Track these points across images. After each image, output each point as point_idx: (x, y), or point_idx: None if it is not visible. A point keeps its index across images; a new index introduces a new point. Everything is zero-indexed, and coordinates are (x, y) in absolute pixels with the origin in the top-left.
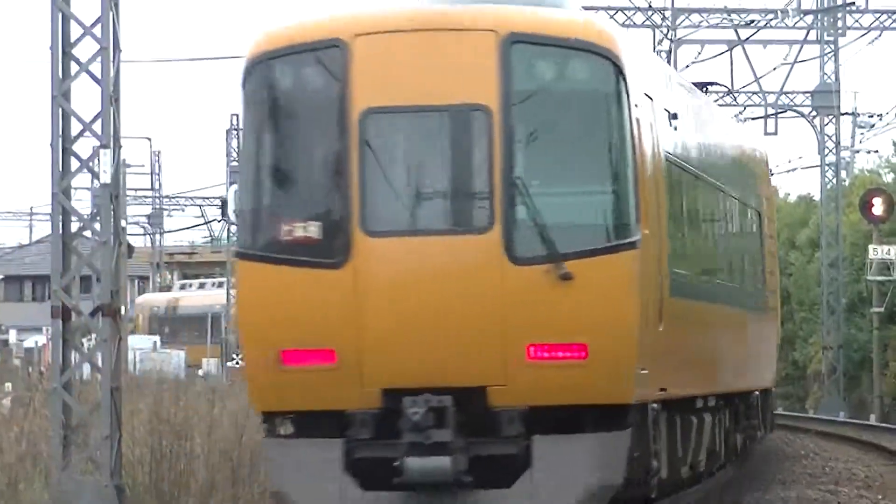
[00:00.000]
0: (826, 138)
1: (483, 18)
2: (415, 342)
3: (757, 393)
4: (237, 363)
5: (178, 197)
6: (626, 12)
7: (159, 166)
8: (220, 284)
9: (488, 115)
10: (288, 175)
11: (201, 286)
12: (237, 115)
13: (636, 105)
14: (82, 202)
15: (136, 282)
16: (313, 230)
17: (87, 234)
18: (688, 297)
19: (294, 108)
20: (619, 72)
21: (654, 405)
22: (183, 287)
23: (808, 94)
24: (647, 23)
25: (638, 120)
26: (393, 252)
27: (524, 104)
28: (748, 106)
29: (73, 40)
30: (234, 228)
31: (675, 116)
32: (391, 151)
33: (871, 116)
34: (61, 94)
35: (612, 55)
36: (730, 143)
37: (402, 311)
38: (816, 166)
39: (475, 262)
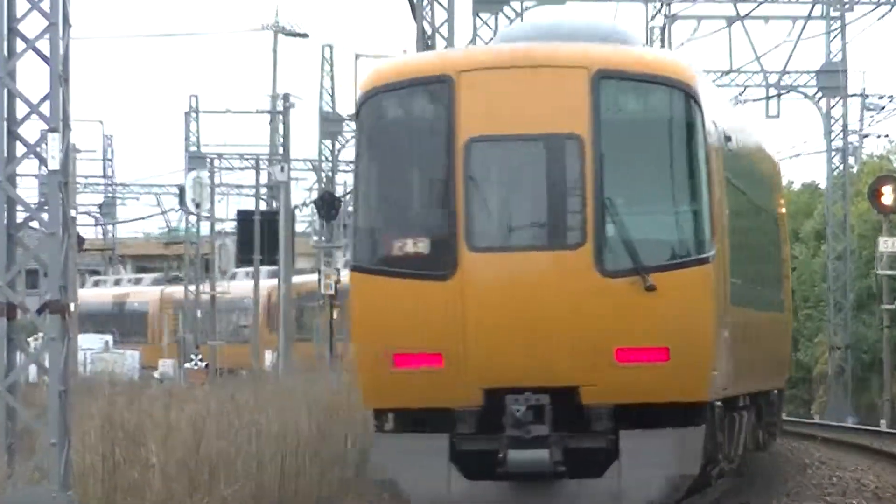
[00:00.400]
0: (832, 121)
1: (575, 56)
2: (514, 346)
3: (775, 391)
4: (195, 364)
5: (132, 185)
6: None
7: (111, 151)
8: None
9: (580, 143)
10: (399, 197)
11: (138, 282)
12: (196, 97)
13: (707, 132)
14: (29, 190)
15: (87, 276)
16: (423, 246)
17: (34, 224)
18: (740, 305)
19: (405, 136)
20: (696, 103)
21: (719, 403)
22: (97, 284)
23: (812, 74)
24: None
25: (709, 145)
26: (495, 266)
27: (612, 133)
28: (748, 86)
29: (18, 15)
30: (191, 218)
31: (728, 139)
32: (493, 176)
33: (881, 98)
34: (6, 74)
35: (689, 88)
36: (758, 154)
37: (502, 318)
38: (822, 152)
39: (569, 275)
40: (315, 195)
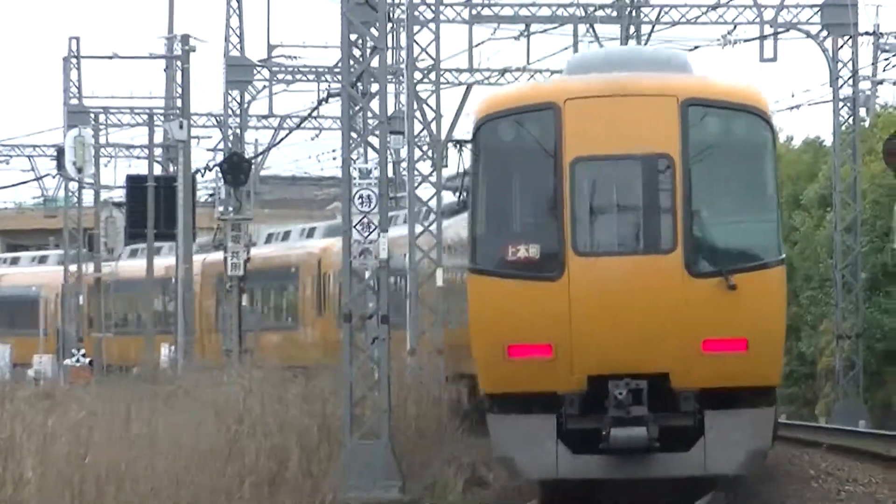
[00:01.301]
0: (839, 65)
1: (666, 86)
2: (614, 338)
3: None
4: (77, 360)
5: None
6: None
7: None
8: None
9: (671, 161)
10: (513, 209)
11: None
12: (77, 39)
13: (776, 150)
14: None
15: None
16: (534, 252)
17: None
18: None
19: (517, 156)
20: (769, 126)
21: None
22: None
23: (816, 9)
24: None
25: (777, 161)
26: (598, 268)
27: (699, 153)
28: (739, 24)
29: None
30: (72, 185)
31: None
32: (595, 190)
33: None
34: None
35: (764, 114)
36: None
37: (604, 314)
38: (827, 101)
39: (661, 276)
40: (220, 157)
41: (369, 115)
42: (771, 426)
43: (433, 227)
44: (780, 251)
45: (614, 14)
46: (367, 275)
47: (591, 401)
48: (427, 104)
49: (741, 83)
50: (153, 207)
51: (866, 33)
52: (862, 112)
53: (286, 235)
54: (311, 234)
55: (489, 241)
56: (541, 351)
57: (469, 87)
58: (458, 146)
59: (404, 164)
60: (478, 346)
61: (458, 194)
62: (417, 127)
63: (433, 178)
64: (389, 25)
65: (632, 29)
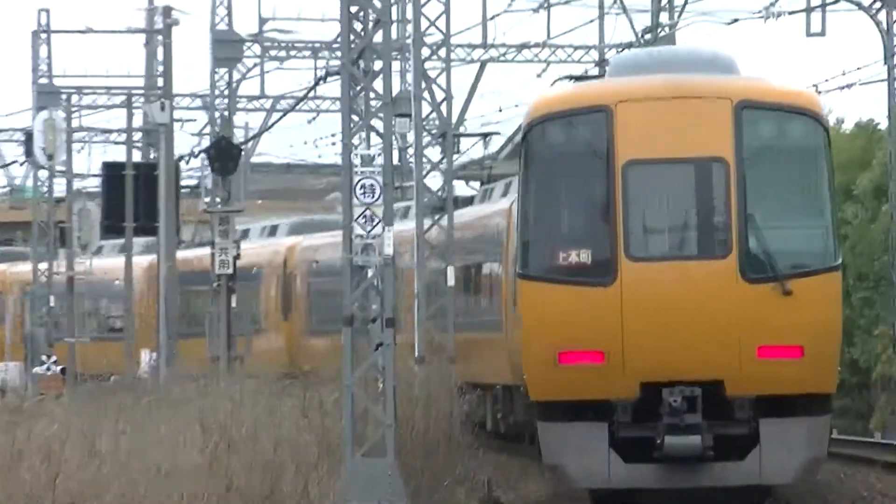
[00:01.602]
0: (895, 40)
1: (719, 88)
2: (668, 344)
3: None
4: (49, 369)
5: None
6: None
7: None
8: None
9: (725, 165)
10: (565, 213)
11: None
12: (48, 11)
13: (831, 154)
14: None
15: None
16: (586, 257)
17: None
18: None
19: (568, 159)
20: (825, 130)
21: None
22: None
23: None
24: None
25: (832, 164)
26: (651, 274)
27: (753, 156)
28: None
29: None
30: (42, 174)
31: None
32: (648, 194)
33: None
34: None
35: (819, 117)
36: None
37: (658, 320)
38: (882, 80)
39: (715, 281)
40: (207, 142)
41: (372, 95)
42: (827, 434)
43: (444, 221)
44: (836, 256)
45: None
46: (369, 273)
47: (644, 408)
48: (436, 84)
49: (795, 86)
50: (132, 198)
51: None
52: None
53: (245, 234)
54: (273, 232)
55: (540, 246)
56: (592, 357)
57: (483, 64)
58: (485, 138)
59: (411, 151)
60: (528, 353)
61: (484, 183)
62: (426, 109)
63: (443, 166)
64: None
65: (664, 0)
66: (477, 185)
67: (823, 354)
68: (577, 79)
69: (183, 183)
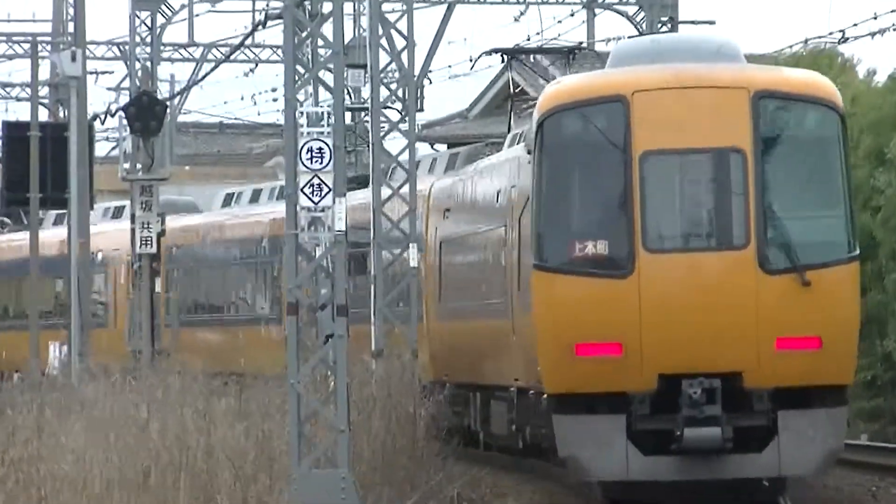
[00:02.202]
0: None
1: (737, 78)
2: (686, 336)
3: None
4: None
5: None
6: None
7: None
8: None
9: (742, 155)
10: (580, 204)
11: None
12: None
13: (848, 144)
14: None
15: None
16: (603, 248)
17: None
18: None
19: (584, 150)
20: (842, 120)
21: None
22: None
23: None
24: None
25: (849, 155)
26: (669, 265)
27: (771, 146)
28: None
29: None
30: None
31: None
32: (665, 185)
33: None
34: None
35: (837, 107)
36: None
37: (675, 311)
38: None
39: (734, 273)
40: (126, 98)
41: (320, 43)
42: (844, 425)
43: (405, 190)
44: (853, 246)
45: None
46: (317, 252)
47: (661, 400)
48: (396, 29)
49: (812, 75)
50: (38, 164)
51: None
52: None
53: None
54: (117, 214)
55: (555, 237)
56: (610, 349)
57: (450, 6)
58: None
59: (366, 108)
60: (543, 345)
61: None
62: (384, 59)
63: (405, 126)
64: None
65: None
66: (444, 147)
67: (841, 346)
68: (503, 52)
69: (98, 147)
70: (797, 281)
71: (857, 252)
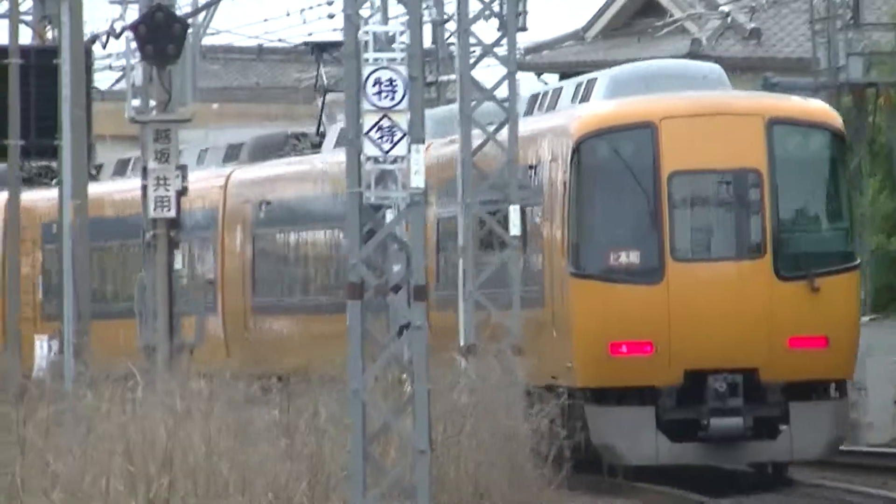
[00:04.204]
0: None
1: (752, 106)
2: (709, 336)
3: None
4: None
5: None
6: None
7: None
8: None
9: (759, 175)
10: (614, 219)
11: None
12: None
13: (848, 164)
14: None
15: None
16: (635, 258)
17: None
18: None
19: (618, 170)
20: (844, 142)
21: None
22: None
23: None
24: None
25: (848, 174)
26: (695, 273)
27: (784, 167)
28: None
29: None
30: None
31: None
32: (691, 202)
33: None
34: None
35: (840, 131)
36: None
37: (700, 313)
38: None
39: (752, 279)
40: (134, 14)
41: None
42: (846, 416)
43: (502, 135)
44: (855, 255)
45: None
46: (387, 217)
47: (686, 393)
48: None
49: (817, 103)
50: (18, 102)
51: None
52: None
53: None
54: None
55: (592, 248)
56: (642, 349)
57: None
58: None
59: (451, 27)
60: (580, 346)
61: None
62: None
63: (502, 50)
64: None
65: None
66: (555, 78)
67: (845, 345)
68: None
69: (99, 78)
70: (807, 287)
71: (858, 261)
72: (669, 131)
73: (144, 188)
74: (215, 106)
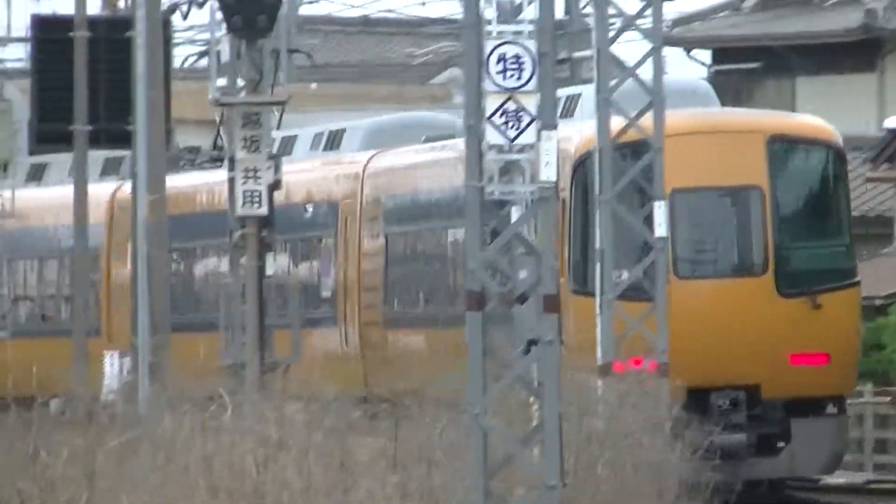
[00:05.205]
0: None
1: (753, 124)
2: (712, 353)
3: None
4: None
5: None
6: None
7: None
8: None
9: (760, 192)
10: (616, 236)
11: None
12: None
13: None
14: None
15: None
16: (638, 275)
17: None
18: None
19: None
20: (843, 159)
21: None
22: None
23: None
24: None
25: (849, 190)
26: (696, 290)
27: (783, 184)
28: None
29: None
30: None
31: None
32: (693, 219)
33: None
34: None
35: (839, 147)
36: None
37: (703, 331)
38: None
39: (754, 297)
40: None
41: None
42: (847, 432)
43: (647, 119)
44: (856, 272)
45: None
46: (513, 213)
47: (690, 410)
48: None
49: (815, 119)
50: (85, 81)
51: None
52: None
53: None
54: (335, 142)
55: (588, 266)
56: (641, 365)
57: None
58: None
59: None
60: (580, 362)
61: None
62: None
63: (646, 22)
64: None
65: None
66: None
67: (846, 361)
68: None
69: (178, 53)
70: (809, 304)
71: (859, 278)
72: (671, 148)
73: (231, 181)
74: (314, 86)
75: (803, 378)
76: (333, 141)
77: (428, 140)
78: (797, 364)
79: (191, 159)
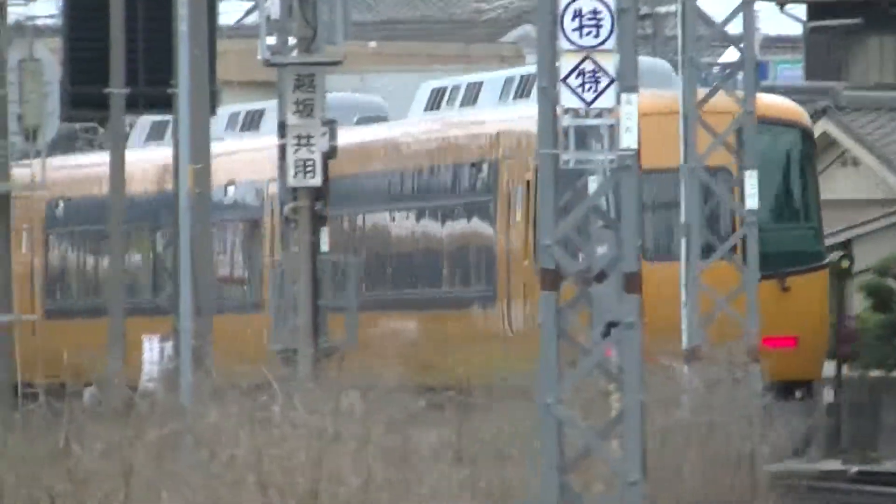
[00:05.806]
0: None
1: (723, 104)
2: (679, 335)
3: None
4: None
5: None
6: None
7: None
8: None
9: (729, 174)
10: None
11: None
12: None
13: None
14: None
15: None
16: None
17: None
18: None
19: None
20: (812, 140)
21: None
22: None
23: None
24: None
25: (817, 173)
26: (665, 273)
27: (752, 165)
28: None
29: None
30: None
31: None
32: (661, 200)
33: None
34: None
35: (808, 129)
36: None
37: (672, 314)
38: None
39: (722, 279)
40: None
41: None
42: (817, 418)
43: (737, 84)
44: (824, 255)
45: None
46: (591, 185)
47: None
48: None
49: (785, 101)
50: (122, 41)
51: None
52: None
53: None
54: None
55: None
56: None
57: None
58: None
59: None
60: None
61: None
62: None
63: None
64: None
65: None
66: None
67: (814, 345)
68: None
69: (224, 9)
70: (776, 286)
71: (827, 260)
72: (643, 129)
73: (282, 148)
74: (372, 44)
75: (773, 361)
76: (251, 122)
77: (360, 122)
78: (766, 347)
79: (89, 139)
